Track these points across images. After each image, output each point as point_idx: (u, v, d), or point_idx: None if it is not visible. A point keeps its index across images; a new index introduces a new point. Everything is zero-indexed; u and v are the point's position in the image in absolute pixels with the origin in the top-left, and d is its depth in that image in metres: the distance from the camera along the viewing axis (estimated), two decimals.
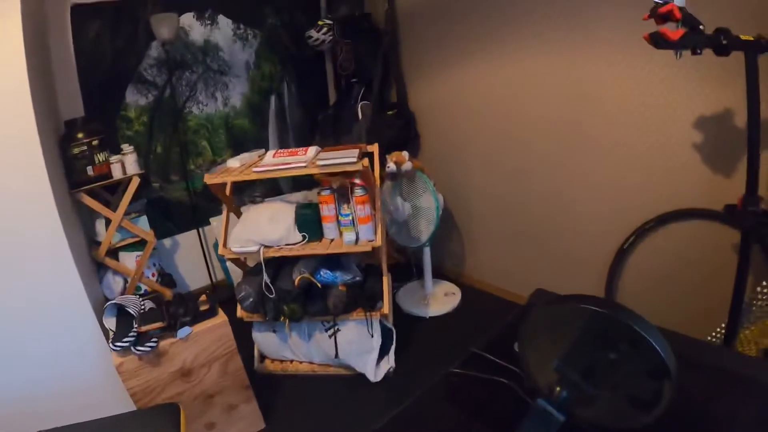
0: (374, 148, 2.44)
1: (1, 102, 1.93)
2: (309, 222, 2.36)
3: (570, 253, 2.82)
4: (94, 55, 3.00)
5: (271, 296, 2.36)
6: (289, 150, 2.34)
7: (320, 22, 3.44)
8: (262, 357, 2.79)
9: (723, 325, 2.05)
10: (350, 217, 2.30)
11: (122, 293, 2.82)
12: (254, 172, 2.22)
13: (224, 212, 2.53)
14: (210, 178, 2.28)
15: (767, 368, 1.11)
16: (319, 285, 2.36)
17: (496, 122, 2.97)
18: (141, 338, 1.92)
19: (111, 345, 1.90)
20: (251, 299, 2.41)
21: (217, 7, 3.38)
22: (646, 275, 2.48)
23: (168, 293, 2.90)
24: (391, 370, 2.58)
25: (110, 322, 2.05)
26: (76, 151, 2.59)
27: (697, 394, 1.00)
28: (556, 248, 2.89)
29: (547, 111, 2.68)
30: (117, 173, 2.75)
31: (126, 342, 1.88)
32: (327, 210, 2.33)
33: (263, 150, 2.58)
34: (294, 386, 2.63)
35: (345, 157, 2.11)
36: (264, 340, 2.67)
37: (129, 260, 2.88)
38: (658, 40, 1.57)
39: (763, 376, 1.04)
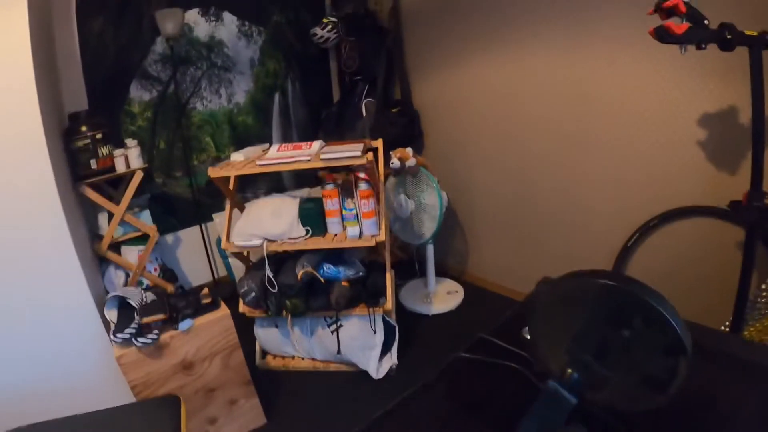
0: (378, 144, 2.43)
1: (6, 94, 1.91)
2: (312, 216, 2.35)
3: (574, 251, 2.81)
4: (98, 50, 3.00)
5: (273, 291, 2.35)
6: (294, 144, 2.33)
7: (325, 20, 3.45)
8: (264, 353, 2.78)
9: (727, 323, 2.04)
10: (354, 212, 2.29)
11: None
12: (258, 165, 2.21)
13: (227, 206, 2.52)
14: (214, 172, 2.27)
15: None
16: (322, 280, 2.35)
17: (499, 120, 2.97)
18: (142, 330, 1.91)
19: (112, 336, 1.88)
20: (253, 294, 2.40)
21: (222, 4, 3.38)
22: (650, 273, 2.46)
23: (170, 288, 2.89)
24: (394, 367, 2.56)
25: (111, 314, 2.04)
26: (79, 144, 2.58)
27: (706, 381, 0.99)
28: (559, 246, 2.88)
29: (549, 109, 2.67)
30: (120, 167, 2.74)
31: (127, 334, 1.87)
32: (331, 204, 2.32)
33: (267, 144, 2.57)
34: (296, 382, 2.62)
35: (349, 151, 2.10)
36: (266, 335, 2.66)
37: (131, 255, 2.88)
38: (663, 35, 1.57)
39: None
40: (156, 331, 1.92)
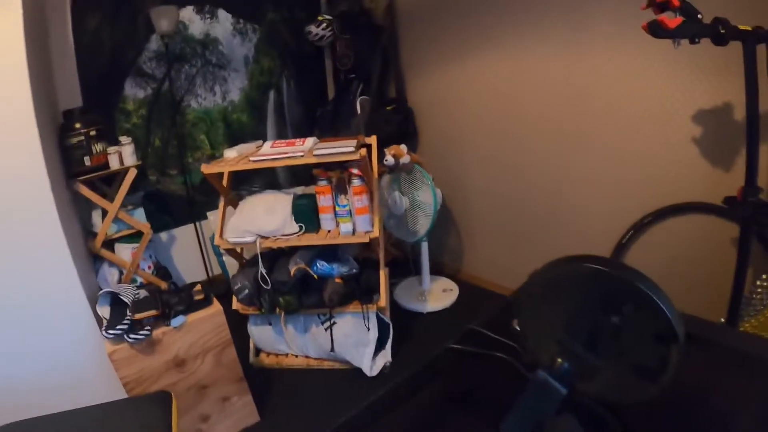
0: (372, 140, 2.43)
1: None
2: (306, 213, 2.34)
3: (569, 248, 2.80)
4: (93, 47, 2.99)
5: (266, 288, 2.34)
6: (287, 140, 2.32)
7: (320, 18, 3.44)
8: (258, 350, 2.77)
9: (723, 320, 2.03)
10: (347, 208, 2.28)
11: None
12: (251, 161, 2.20)
13: (221, 203, 2.51)
14: (207, 168, 2.26)
15: None
16: (315, 276, 2.34)
17: (494, 118, 2.97)
18: (134, 326, 1.90)
19: (104, 332, 1.87)
20: (247, 291, 2.39)
21: (216, 1, 3.37)
22: (645, 270, 2.43)
23: (163, 285, 2.87)
24: (388, 364, 2.56)
25: (104, 311, 2.03)
26: (73, 141, 2.57)
27: (700, 373, 0.98)
28: (554, 244, 2.88)
29: (544, 107, 2.67)
30: (114, 164, 2.73)
31: (119, 330, 1.86)
32: (324, 200, 2.31)
33: (261, 141, 2.57)
34: (289, 380, 2.60)
35: (343, 147, 2.09)
36: (260, 333, 2.65)
37: (125, 252, 2.86)
38: (656, 29, 1.57)
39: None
40: (148, 327, 1.91)
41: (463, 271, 3.57)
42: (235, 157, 2.34)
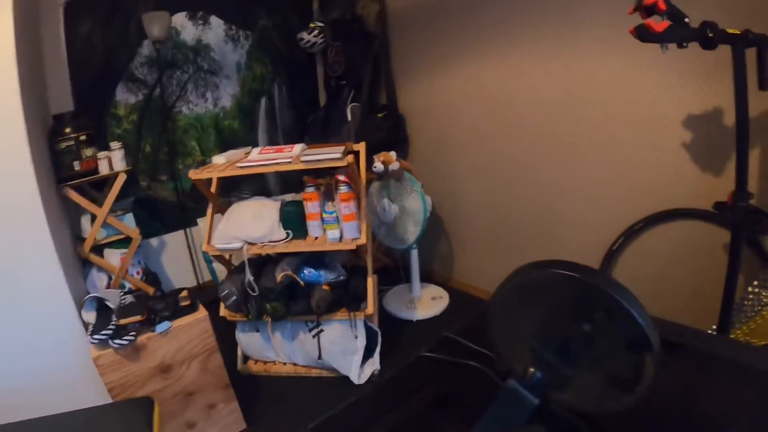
0: (361, 147, 2.42)
1: None
2: (293, 219, 2.34)
3: (559, 255, 2.76)
4: (86, 52, 3.00)
5: (254, 294, 2.33)
6: (276, 147, 2.33)
7: (312, 25, 3.46)
8: (246, 358, 2.75)
9: (714, 327, 2.02)
10: (334, 215, 2.28)
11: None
12: (239, 167, 2.20)
13: (209, 209, 2.50)
14: (195, 174, 2.26)
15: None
16: (302, 283, 2.33)
17: (484, 125, 2.97)
18: (119, 331, 1.90)
19: (89, 338, 1.87)
20: (234, 297, 2.38)
21: (209, 8, 3.38)
22: (636, 277, 2.46)
23: (152, 291, 2.86)
24: (376, 372, 2.54)
25: (89, 316, 2.03)
26: (63, 145, 2.57)
27: (689, 382, 0.96)
28: (545, 251, 2.87)
29: (535, 115, 2.68)
30: (104, 169, 2.72)
31: (104, 335, 1.85)
32: (311, 207, 2.31)
33: (250, 147, 2.56)
34: (277, 387, 2.59)
35: (330, 153, 2.09)
36: (247, 340, 2.64)
37: (114, 257, 2.85)
38: (643, 33, 1.56)
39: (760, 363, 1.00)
40: (133, 333, 1.91)
41: (453, 278, 3.57)
42: (223, 163, 2.34)
